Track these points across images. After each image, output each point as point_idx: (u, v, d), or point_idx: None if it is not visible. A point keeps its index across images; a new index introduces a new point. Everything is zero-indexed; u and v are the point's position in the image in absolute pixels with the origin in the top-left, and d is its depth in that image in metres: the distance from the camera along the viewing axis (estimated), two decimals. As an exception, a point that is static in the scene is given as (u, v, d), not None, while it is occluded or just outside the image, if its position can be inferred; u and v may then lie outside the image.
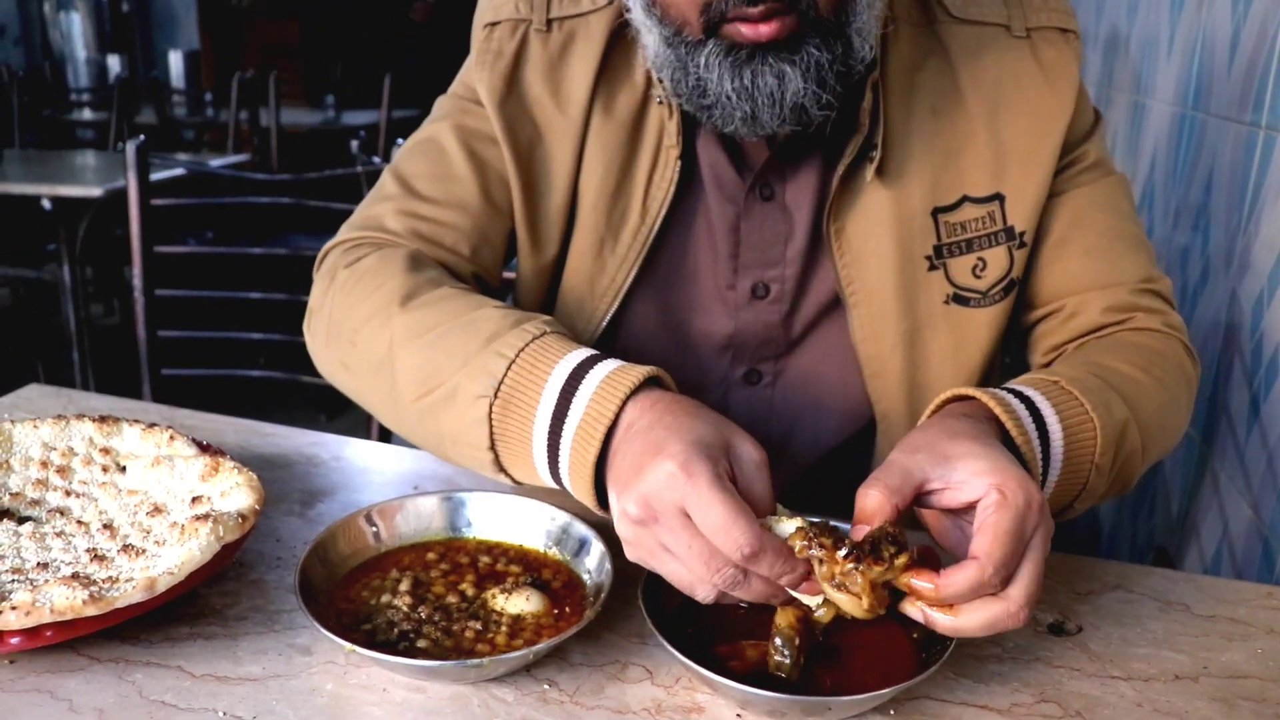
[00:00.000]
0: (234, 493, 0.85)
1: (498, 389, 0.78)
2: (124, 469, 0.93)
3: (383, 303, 0.89)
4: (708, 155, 0.99)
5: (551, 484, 0.79)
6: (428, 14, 5.12)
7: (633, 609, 0.74)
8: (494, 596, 0.77)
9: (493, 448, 0.80)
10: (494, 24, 1.01)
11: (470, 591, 0.78)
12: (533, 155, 1.00)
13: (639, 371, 0.75)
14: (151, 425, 0.97)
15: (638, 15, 0.92)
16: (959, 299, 0.98)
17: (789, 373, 1.03)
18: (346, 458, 1.07)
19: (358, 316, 0.91)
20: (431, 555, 0.83)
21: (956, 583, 0.64)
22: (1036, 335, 1.03)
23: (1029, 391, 0.81)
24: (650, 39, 0.91)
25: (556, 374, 0.77)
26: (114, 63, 5.70)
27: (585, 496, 0.75)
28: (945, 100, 0.97)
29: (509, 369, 0.78)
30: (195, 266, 2.02)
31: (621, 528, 0.69)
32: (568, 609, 0.77)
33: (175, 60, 5.18)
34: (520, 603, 0.76)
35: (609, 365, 0.76)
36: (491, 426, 0.79)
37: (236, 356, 2.18)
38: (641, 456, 0.68)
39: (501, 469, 0.81)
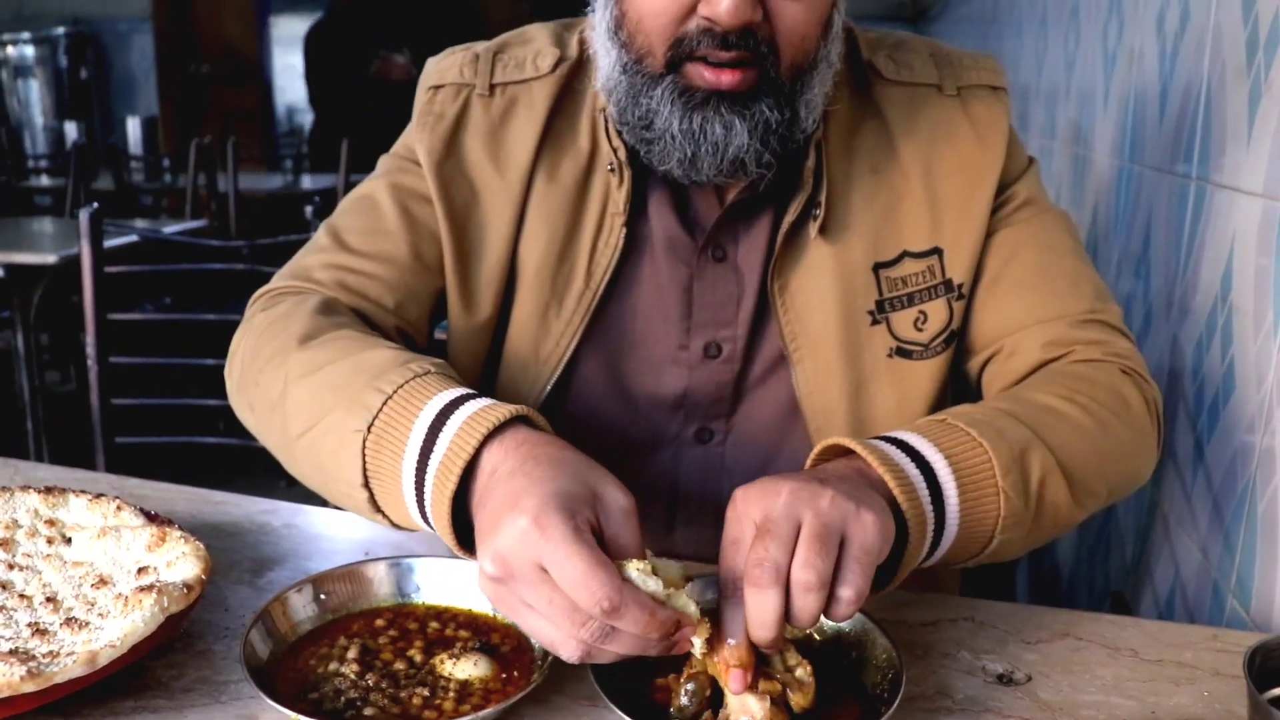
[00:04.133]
0: (180, 563, 0.84)
1: (371, 424, 0.78)
2: (69, 540, 0.92)
3: (284, 343, 0.90)
4: (660, 219, 1.00)
5: (423, 526, 0.79)
6: (401, 72, 5.05)
7: (581, 671, 0.74)
8: (442, 662, 0.77)
9: (367, 485, 0.80)
10: (438, 87, 1.04)
11: (418, 658, 0.78)
12: (468, 217, 1.01)
13: (504, 410, 0.75)
14: (99, 496, 0.96)
15: (600, 36, 0.95)
16: (902, 352, 1.00)
17: (739, 430, 1.04)
18: (298, 525, 1.06)
19: (262, 357, 0.92)
20: (380, 622, 0.83)
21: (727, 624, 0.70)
22: (986, 381, 1.05)
23: (902, 435, 0.82)
24: (606, 62, 0.94)
25: (426, 411, 0.77)
26: (71, 129, 5.68)
27: (447, 537, 0.75)
28: (883, 159, 1.00)
29: (384, 404, 0.79)
30: (152, 332, 2.01)
31: (483, 585, 0.69)
32: (516, 673, 0.76)
33: (133, 126, 5.18)
34: (468, 668, 0.76)
35: (477, 404, 0.76)
36: (365, 462, 0.79)
37: (194, 423, 2.16)
38: (499, 510, 0.68)
39: (378, 508, 0.81)
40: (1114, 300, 1.05)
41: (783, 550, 0.68)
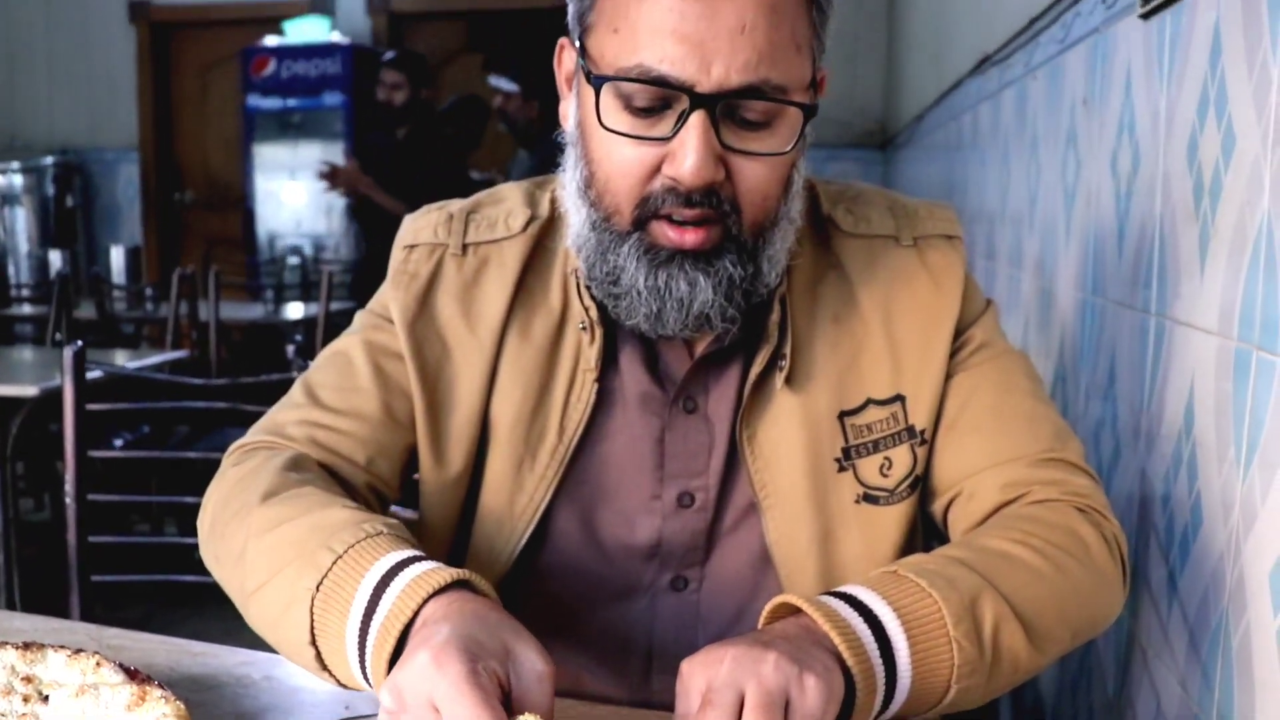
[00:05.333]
0: (159, 723, 0.84)
1: (320, 582, 0.80)
2: (46, 698, 0.91)
3: (248, 499, 0.92)
4: (632, 373, 1.03)
5: (365, 686, 0.80)
6: (429, 97, 5.09)
7: (563, 831, 0.73)
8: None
9: (314, 643, 0.81)
10: (412, 246, 1.07)
11: (399, 818, 0.77)
12: (440, 374, 1.04)
13: (447, 574, 0.77)
14: (78, 651, 0.96)
15: (570, 195, 0.99)
16: (869, 498, 1.02)
17: (713, 578, 1.05)
18: (278, 677, 1.05)
19: (229, 512, 0.94)
20: (361, 780, 0.82)
21: None
22: (950, 523, 1.06)
23: (851, 589, 0.83)
24: (576, 219, 0.98)
25: (373, 571, 0.79)
26: (55, 258, 5.74)
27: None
28: (845, 309, 1.03)
29: (334, 563, 0.80)
30: (130, 460, 2.01)
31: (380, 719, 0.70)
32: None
33: (117, 255, 5.23)
34: (449, 829, 0.75)
35: (423, 566, 0.78)
36: (313, 620, 0.80)
37: (169, 559, 2.15)
38: (408, 652, 0.70)
39: (324, 666, 0.82)
40: (1075, 439, 1.07)
41: None
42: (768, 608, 0.83)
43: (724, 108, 0.89)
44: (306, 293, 5.27)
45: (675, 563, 1.05)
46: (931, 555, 0.91)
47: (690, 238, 0.91)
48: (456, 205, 1.10)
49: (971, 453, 1.03)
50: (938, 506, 1.07)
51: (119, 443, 3.53)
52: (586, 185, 0.96)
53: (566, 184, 1.00)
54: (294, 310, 4.98)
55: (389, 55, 5.20)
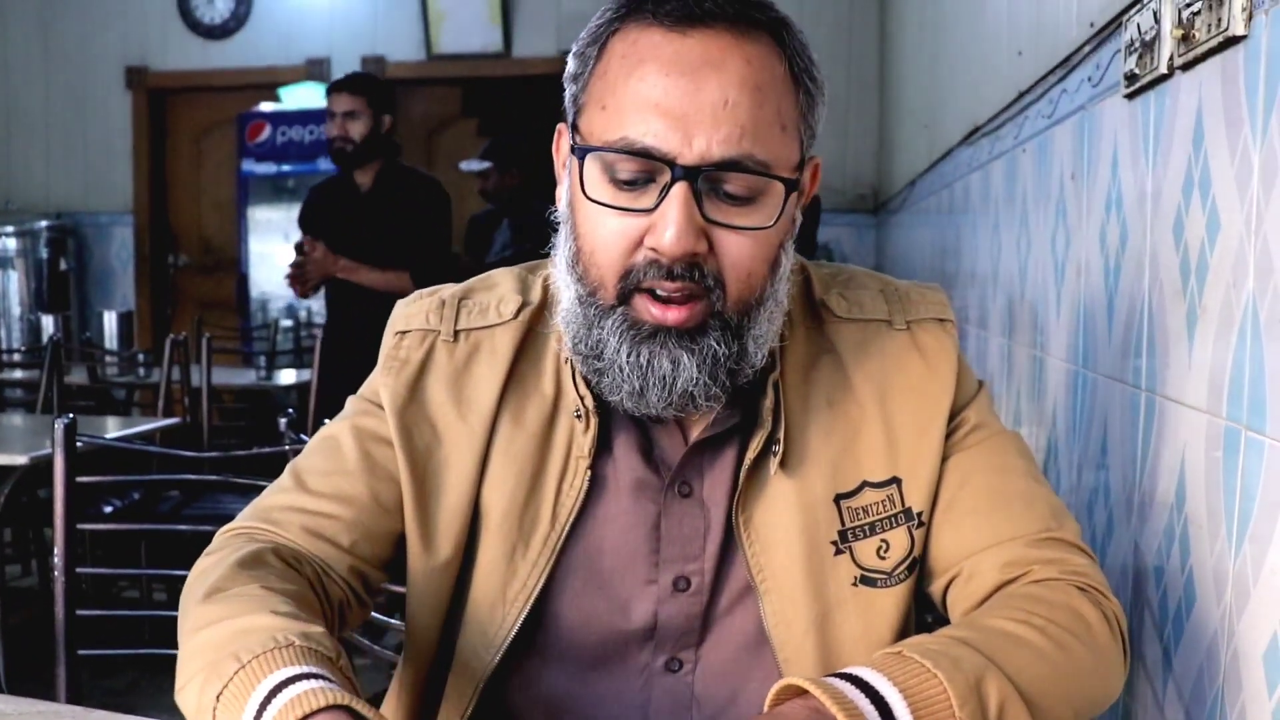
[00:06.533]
0: (144, 814, 0.83)
1: (220, 693, 0.79)
2: (30, 787, 0.90)
3: (197, 594, 0.92)
4: (627, 460, 1.03)
5: None
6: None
7: None
8: None
9: None
10: (404, 332, 1.07)
11: None
12: (429, 460, 1.04)
13: (324, 698, 0.75)
14: (62, 738, 0.94)
15: (560, 271, 1.00)
16: (866, 580, 1.02)
17: (708, 660, 1.05)
18: (264, 761, 1.04)
19: (188, 603, 0.93)
20: None
21: None
22: (950, 604, 1.06)
23: (857, 670, 0.83)
24: (566, 295, 0.99)
25: (262, 686, 0.78)
26: (48, 322, 5.73)
27: None
28: (839, 393, 1.04)
29: (235, 673, 0.80)
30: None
31: None
32: None
33: (109, 320, 5.22)
34: None
35: (305, 686, 0.77)
36: None
37: (156, 628, 2.13)
38: None
39: None
40: (1071, 518, 1.07)
41: None
42: (774, 690, 0.82)
43: (707, 181, 0.91)
44: (299, 358, 5.26)
45: (670, 645, 1.04)
46: (935, 635, 0.90)
47: (673, 315, 0.92)
48: (449, 290, 1.11)
49: (970, 533, 1.03)
50: (936, 587, 1.07)
51: (109, 509, 3.50)
52: (574, 260, 0.98)
53: (558, 261, 1.01)
54: (286, 376, 4.97)
55: (339, 78, 3.87)
